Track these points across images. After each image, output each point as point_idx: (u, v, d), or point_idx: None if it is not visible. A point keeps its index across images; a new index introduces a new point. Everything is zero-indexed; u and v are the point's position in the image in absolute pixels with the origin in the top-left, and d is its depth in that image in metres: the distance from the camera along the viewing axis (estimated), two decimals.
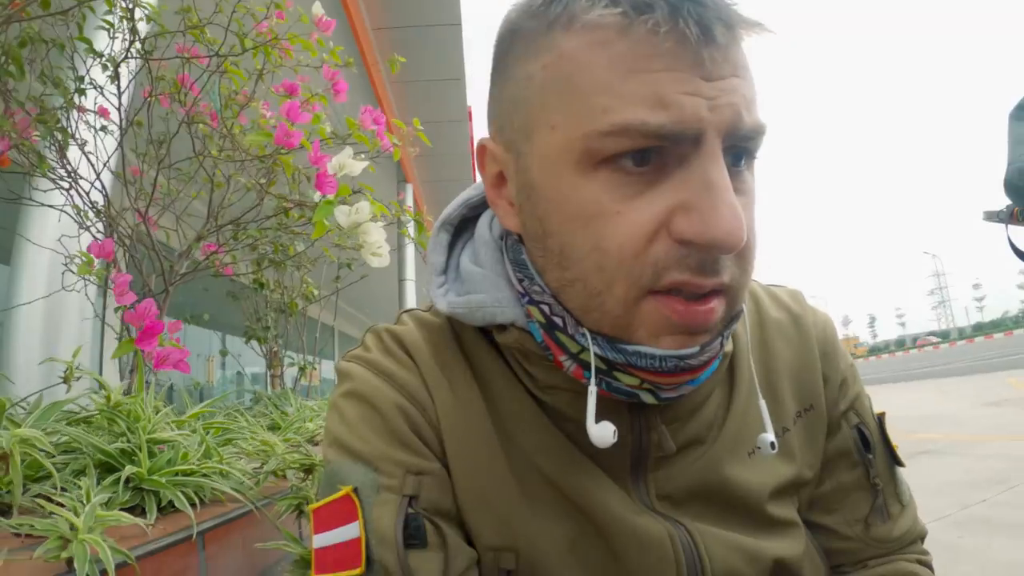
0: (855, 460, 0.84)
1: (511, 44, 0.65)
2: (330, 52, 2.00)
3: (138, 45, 1.84)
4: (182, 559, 0.96)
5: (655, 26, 0.53)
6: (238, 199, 2.15)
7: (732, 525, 0.74)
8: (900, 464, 0.87)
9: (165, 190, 2.18)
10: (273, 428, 1.93)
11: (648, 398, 0.66)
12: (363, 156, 2.01)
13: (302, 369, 2.80)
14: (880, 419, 0.88)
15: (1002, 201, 1.84)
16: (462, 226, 0.84)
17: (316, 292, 2.83)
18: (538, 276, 0.68)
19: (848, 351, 0.87)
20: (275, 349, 2.83)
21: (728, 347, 0.75)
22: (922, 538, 0.88)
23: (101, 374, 1.59)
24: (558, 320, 0.66)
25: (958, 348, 52.15)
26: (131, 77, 1.92)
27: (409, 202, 6.20)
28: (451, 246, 0.83)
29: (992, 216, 1.94)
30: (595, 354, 0.64)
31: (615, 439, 0.61)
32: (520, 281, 0.70)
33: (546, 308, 0.67)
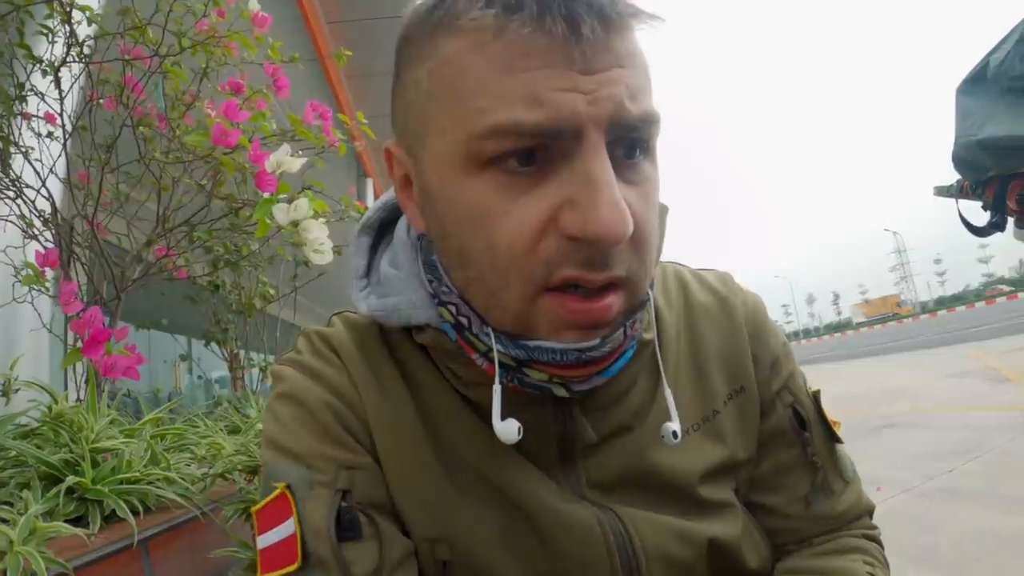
0: (792, 439, 0.85)
1: (403, 49, 0.66)
2: (270, 48, 1.98)
3: (78, 49, 1.81)
4: (125, 568, 0.95)
5: (522, 25, 0.54)
6: (188, 200, 2.12)
7: (664, 508, 0.76)
8: (838, 441, 0.88)
9: (114, 194, 2.15)
10: (234, 431, 1.91)
11: (560, 391, 0.68)
12: (312, 152, 2.00)
13: (263, 370, 2.78)
14: (815, 397, 0.89)
15: (953, 176, 1.86)
16: (385, 228, 0.86)
17: (273, 292, 2.81)
18: (445, 276, 0.70)
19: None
20: (235, 351, 2.80)
21: (649, 335, 0.77)
22: (870, 513, 0.89)
23: (65, 386, 1.56)
24: (464, 320, 0.68)
25: (921, 321, 53.19)
26: (72, 81, 1.89)
27: (370, 196, 6.16)
28: (374, 248, 0.85)
29: (943, 191, 1.97)
30: (500, 352, 0.65)
31: (520, 436, 0.63)
32: (430, 282, 0.72)
33: (453, 309, 0.69)
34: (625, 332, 0.66)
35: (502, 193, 0.58)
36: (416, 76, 0.63)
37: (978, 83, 1.64)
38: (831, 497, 0.85)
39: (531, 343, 0.63)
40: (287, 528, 0.67)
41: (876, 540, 0.87)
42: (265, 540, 0.69)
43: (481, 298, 0.65)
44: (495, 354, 0.66)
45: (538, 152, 0.57)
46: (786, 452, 0.86)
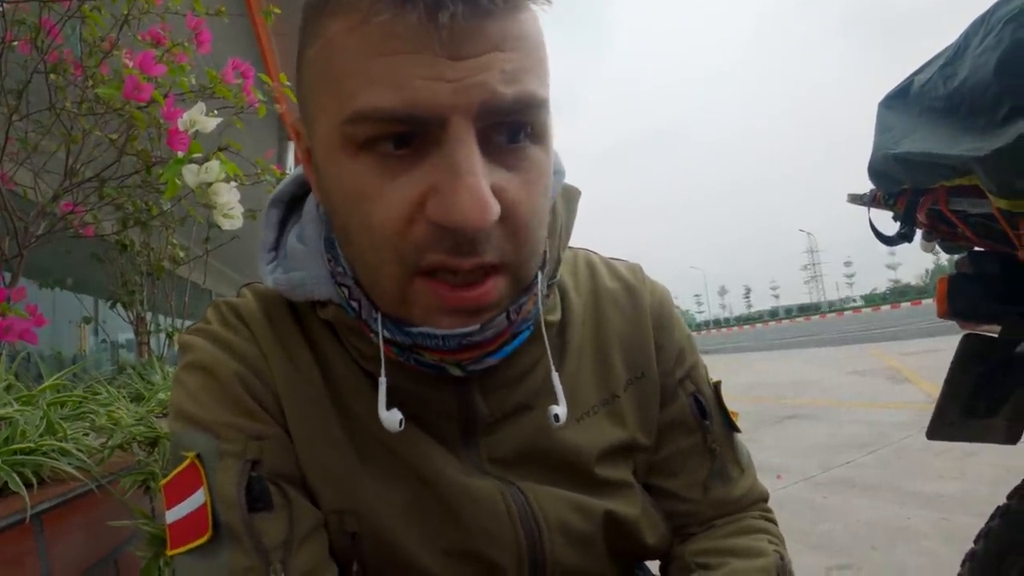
0: (692, 426, 0.90)
1: (302, 27, 0.65)
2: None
3: None
4: (17, 544, 0.90)
5: (384, 10, 0.54)
6: (100, 154, 2.02)
7: (563, 484, 0.80)
8: (736, 430, 0.93)
9: (21, 143, 2.03)
10: (137, 399, 1.84)
11: (455, 371, 0.71)
12: (231, 112, 1.93)
13: (170, 335, 2.68)
14: (716, 387, 0.94)
15: (867, 185, 1.91)
16: (297, 202, 0.86)
17: (184, 254, 2.72)
18: (341, 254, 0.71)
19: None
20: (142, 315, 2.70)
21: (553, 317, 0.81)
22: (764, 499, 0.94)
23: None
24: (355, 304, 0.70)
25: (828, 320, 55.43)
26: None
27: (291, 160, 5.96)
28: (284, 223, 0.85)
29: (856, 199, 2.02)
30: (387, 337, 0.68)
31: (401, 428, 0.66)
32: (329, 260, 0.73)
33: (346, 291, 0.71)
34: (509, 317, 0.68)
35: (376, 175, 0.59)
36: (308, 55, 0.63)
37: (901, 99, 1.69)
38: (728, 483, 0.90)
39: (415, 330, 0.65)
40: (197, 499, 0.67)
41: (774, 523, 0.92)
42: (174, 514, 0.69)
43: (364, 274, 0.67)
44: (380, 343, 0.67)
45: (414, 136, 0.58)
46: (687, 439, 0.90)
